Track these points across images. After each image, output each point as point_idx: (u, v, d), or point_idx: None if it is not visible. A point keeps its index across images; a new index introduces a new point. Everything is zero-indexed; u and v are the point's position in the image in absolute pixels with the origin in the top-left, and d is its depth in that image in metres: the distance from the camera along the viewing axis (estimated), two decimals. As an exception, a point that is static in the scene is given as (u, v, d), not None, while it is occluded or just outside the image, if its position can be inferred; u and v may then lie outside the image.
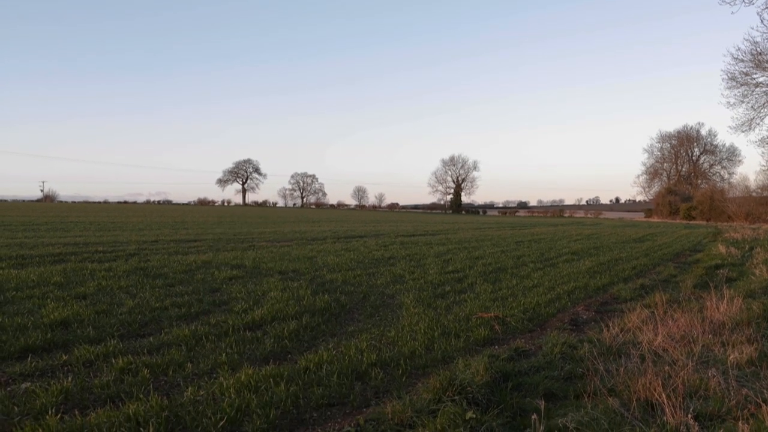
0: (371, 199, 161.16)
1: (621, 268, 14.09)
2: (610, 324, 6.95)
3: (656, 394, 4.26)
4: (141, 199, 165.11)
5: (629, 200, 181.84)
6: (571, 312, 8.57)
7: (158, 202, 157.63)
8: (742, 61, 27.67)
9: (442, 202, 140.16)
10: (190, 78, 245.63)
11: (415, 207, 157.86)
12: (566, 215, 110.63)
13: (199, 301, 8.11)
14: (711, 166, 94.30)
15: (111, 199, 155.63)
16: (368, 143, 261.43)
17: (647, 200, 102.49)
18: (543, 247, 20.52)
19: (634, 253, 18.89)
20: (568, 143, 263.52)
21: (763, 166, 58.85)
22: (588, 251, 19.04)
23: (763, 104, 28.91)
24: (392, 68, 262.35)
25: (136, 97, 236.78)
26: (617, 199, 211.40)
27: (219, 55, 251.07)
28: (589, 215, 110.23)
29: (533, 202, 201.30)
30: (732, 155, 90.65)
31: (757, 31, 39.62)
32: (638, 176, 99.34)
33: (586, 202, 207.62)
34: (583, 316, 8.31)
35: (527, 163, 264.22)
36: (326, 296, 8.73)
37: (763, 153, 49.07)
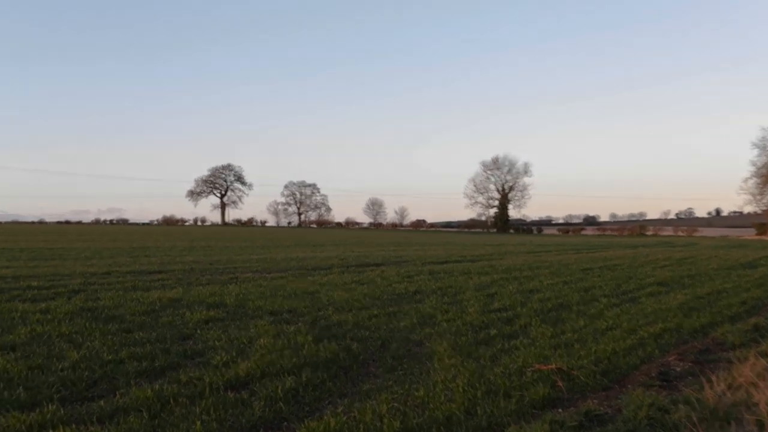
0: (390, 216, 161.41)
1: (726, 304, 13.97)
2: (714, 379, 6.84)
3: (781, 474, 4.16)
4: (88, 218, 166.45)
5: (734, 212, 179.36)
6: (659, 362, 8.50)
7: (111, 221, 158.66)
8: None
9: (483, 218, 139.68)
10: (150, 65, 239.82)
11: (448, 225, 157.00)
12: (649, 233, 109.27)
13: (165, 352, 8.15)
14: None
15: (48, 219, 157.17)
16: (385, 144, 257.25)
17: (759, 212, 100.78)
18: (619, 276, 20.46)
19: (743, 283, 18.63)
20: (650, 141, 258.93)
21: None
22: (680, 281, 18.92)
23: None
24: (419, 52, 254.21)
25: (79, 88, 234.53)
26: (718, 212, 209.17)
27: (189, 37, 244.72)
28: (680, 233, 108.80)
29: (604, 217, 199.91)
30: None
31: None
32: (746, 180, 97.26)
33: (676, 215, 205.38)
34: (676, 368, 8.24)
35: (596, 167, 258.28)
36: (333, 344, 8.78)
37: None
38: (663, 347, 9.38)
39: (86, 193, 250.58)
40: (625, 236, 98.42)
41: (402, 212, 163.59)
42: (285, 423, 5.85)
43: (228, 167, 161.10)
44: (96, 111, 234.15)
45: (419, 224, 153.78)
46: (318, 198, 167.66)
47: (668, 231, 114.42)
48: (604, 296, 14.90)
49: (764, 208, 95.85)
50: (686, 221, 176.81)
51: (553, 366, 7.72)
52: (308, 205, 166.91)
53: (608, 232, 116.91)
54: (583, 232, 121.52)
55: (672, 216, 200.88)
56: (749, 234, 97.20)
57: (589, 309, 12.79)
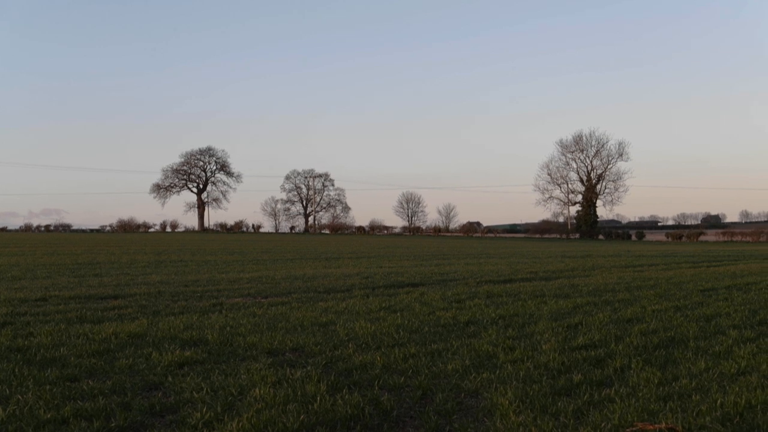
0: (432, 217, 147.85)
1: None
2: None
3: None
4: (15, 223, 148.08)
5: None
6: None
7: (47, 227, 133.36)
8: None
9: (560, 219, 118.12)
10: (101, 20, 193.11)
11: (512, 229, 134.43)
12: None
13: (124, 408, 7.21)
14: None
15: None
16: (424, 119, 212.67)
17: None
18: (755, 299, 18.56)
19: None
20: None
21: None
22: None
23: None
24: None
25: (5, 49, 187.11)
26: None
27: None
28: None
29: (732, 216, 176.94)
30: None
31: None
32: None
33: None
34: None
35: (719, 146, 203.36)
36: (355, 395, 8.00)
37: None
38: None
39: (11, 190, 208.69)
40: (763, 243, 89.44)
41: (448, 212, 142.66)
42: None
43: (208, 151, 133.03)
44: (20, 77, 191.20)
45: (472, 228, 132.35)
46: (332, 193, 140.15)
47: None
48: (734, 327, 13.45)
49: None
50: None
51: (663, 425, 7.03)
52: (319, 203, 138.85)
53: (738, 238, 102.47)
54: (702, 238, 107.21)
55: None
56: None
57: (713, 345, 11.51)
